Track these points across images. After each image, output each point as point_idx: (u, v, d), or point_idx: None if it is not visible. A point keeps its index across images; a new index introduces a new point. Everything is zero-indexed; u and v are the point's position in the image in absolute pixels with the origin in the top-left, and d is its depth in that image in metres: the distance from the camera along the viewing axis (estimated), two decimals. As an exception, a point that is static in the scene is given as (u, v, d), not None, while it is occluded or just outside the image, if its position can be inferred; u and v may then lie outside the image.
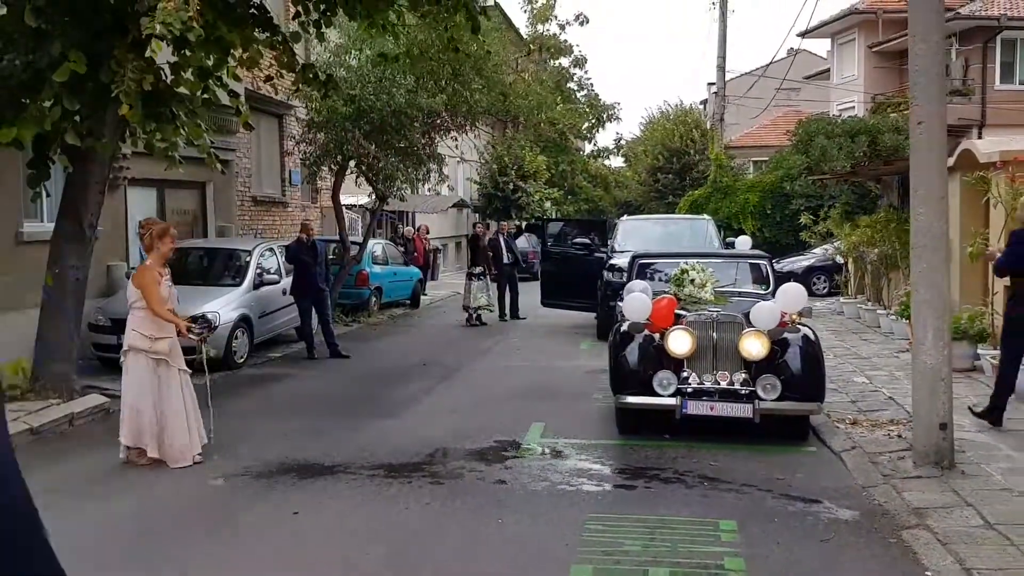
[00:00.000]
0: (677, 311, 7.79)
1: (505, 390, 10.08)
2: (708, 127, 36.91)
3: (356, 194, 22.07)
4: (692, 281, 8.26)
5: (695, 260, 8.70)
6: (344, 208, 21.69)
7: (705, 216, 17.34)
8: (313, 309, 12.75)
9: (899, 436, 7.27)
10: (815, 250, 20.78)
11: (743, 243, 14.69)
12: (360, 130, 14.71)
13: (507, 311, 17.07)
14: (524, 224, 32.93)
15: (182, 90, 8.80)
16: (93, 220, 9.09)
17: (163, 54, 8.73)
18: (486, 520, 5.70)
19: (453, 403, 9.42)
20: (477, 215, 34.43)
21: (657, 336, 7.55)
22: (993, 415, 7.45)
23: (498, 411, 8.94)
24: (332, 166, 16.32)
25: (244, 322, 11.89)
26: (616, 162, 52.98)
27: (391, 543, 5.32)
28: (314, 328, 12.83)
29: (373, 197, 17.43)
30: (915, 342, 6.41)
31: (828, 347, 12.26)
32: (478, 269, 16.30)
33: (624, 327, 7.71)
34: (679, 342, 7.30)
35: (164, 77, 8.66)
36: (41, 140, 8.21)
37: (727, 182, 27.87)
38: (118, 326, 11.02)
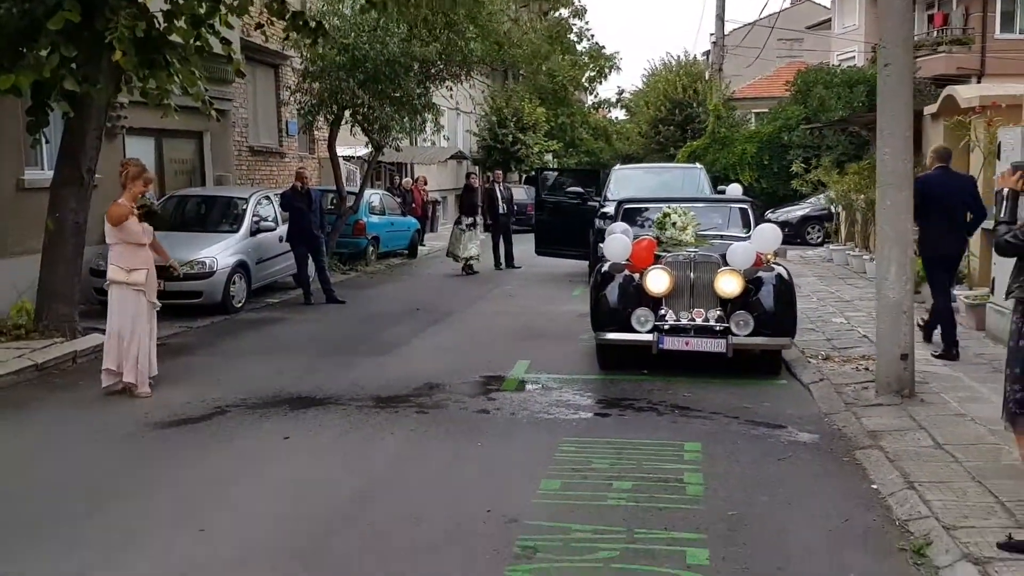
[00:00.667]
0: (657, 252, 8.06)
1: (495, 332, 10.39)
2: (707, 78, 36.75)
3: (355, 145, 22.24)
4: (674, 224, 8.52)
5: (678, 204, 8.93)
6: (342, 159, 21.86)
7: (697, 165, 17.49)
8: (309, 256, 13.03)
9: (867, 369, 7.58)
10: (810, 200, 20.95)
11: (734, 191, 14.89)
12: (354, 79, 14.83)
13: (502, 260, 17.33)
14: (523, 178, 33.06)
15: (175, 38, 8.99)
16: (91, 166, 9.33)
17: (156, 2, 8.91)
18: (466, 444, 6.04)
19: (444, 343, 9.73)
20: (476, 167, 34.55)
21: (637, 276, 7.82)
22: (950, 352, 7.84)
23: (486, 350, 9.25)
24: (327, 116, 16.47)
25: (241, 267, 12.18)
26: (618, 115, 53.07)
27: (375, 463, 5.67)
28: (311, 275, 13.13)
29: (370, 148, 17.59)
30: (879, 277, 6.68)
31: (812, 291, 12.60)
32: (468, 220, 16.50)
33: (605, 267, 7.99)
34: (656, 281, 7.58)
35: (157, 24, 8.84)
36: (39, 87, 8.42)
37: (725, 133, 27.90)
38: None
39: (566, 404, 7.08)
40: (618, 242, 7.97)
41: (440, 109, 17.81)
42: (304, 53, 14.72)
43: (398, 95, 15.62)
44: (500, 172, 18.89)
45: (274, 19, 9.67)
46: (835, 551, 4.24)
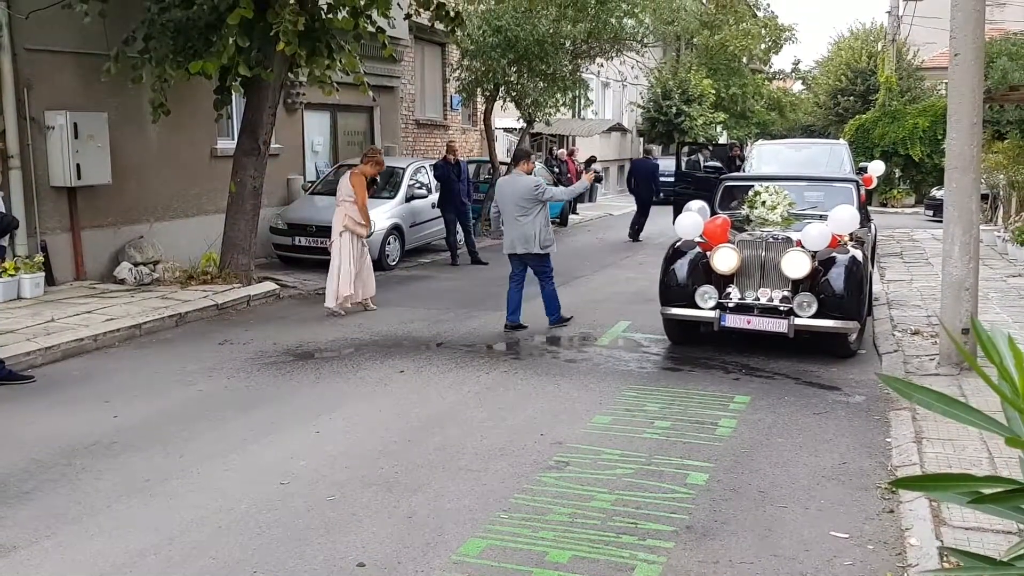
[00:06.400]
0: (733, 230, 8.42)
1: (609, 295, 11.27)
2: (879, 48, 35.28)
3: (515, 118, 23.49)
4: (763, 203, 8.79)
5: (775, 183, 9.15)
6: (503, 131, 23.16)
7: (842, 141, 17.40)
8: (457, 221, 14.33)
9: (943, 343, 7.90)
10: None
11: (875, 168, 14.88)
12: (506, 59, 15.93)
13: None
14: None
15: (339, 26, 10.40)
16: (267, 138, 10.96)
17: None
18: (545, 384, 7.04)
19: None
20: (642, 139, 34.99)
21: (708, 253, 8.09)
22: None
23: (597, 310, 10.17)
24: (484, 92, 17.69)
25: (396, 230, 13.68)
26: (796, 87, 51.48)
27: (463, 394, 6.78)
28: (459, 238, 14.43)
29: (521, 121, 18.71)
30: (944, 255, 7.05)
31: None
32: None
33: (677, 244, 8.48)
34: (723, 259, 7.86)
35: (321, 16, 10.25)
36: (224, 72, 10.07)
37: (897, 106, 26.98)
38: (293, 229, 13.18)
39: (647, 360, 7.93)
40: (688, 220, 8.36)
41: (588, 84, 18.59)
42: (458, 34, 15.93)
43: (549, 72, 16.59)
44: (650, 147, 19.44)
45: (420, 10, 10.91)
46: (817, 484, 4.94)
